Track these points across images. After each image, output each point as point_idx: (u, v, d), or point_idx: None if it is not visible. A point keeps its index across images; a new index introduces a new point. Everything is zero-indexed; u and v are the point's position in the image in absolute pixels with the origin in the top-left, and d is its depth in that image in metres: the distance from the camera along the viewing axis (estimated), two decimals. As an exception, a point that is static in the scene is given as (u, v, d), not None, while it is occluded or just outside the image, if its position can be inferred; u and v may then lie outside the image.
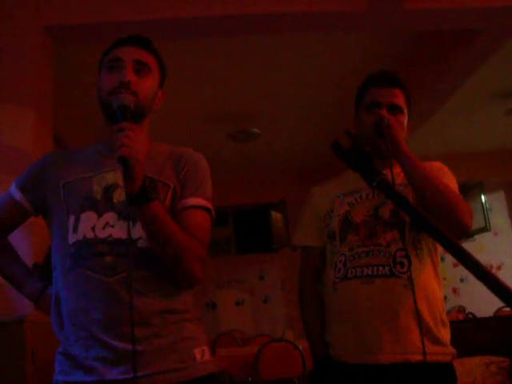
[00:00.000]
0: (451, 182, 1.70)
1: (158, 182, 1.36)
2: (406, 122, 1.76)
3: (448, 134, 6.53)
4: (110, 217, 1.33)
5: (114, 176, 1.37)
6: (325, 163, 6.02)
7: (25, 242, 2.27)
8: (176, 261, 1.31)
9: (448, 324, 1.69)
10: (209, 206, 1.41)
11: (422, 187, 1.59)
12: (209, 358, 1.37)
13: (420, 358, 1.57)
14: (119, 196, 1.35)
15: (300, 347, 3.76)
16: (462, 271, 7.58)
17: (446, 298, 7.72)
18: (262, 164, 7.06)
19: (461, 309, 7.19)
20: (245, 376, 4.29)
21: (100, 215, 1.34)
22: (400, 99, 1.75)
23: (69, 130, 4.49)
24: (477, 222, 8.02)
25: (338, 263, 1.71)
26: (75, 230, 1.34)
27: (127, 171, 1.20)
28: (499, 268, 7.47)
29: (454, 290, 7.81)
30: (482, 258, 6.46)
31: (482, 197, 8.01)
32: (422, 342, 1.58)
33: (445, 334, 1.65)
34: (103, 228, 1.32)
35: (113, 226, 1.32)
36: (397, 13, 3.24)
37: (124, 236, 1.31)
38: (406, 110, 1.76)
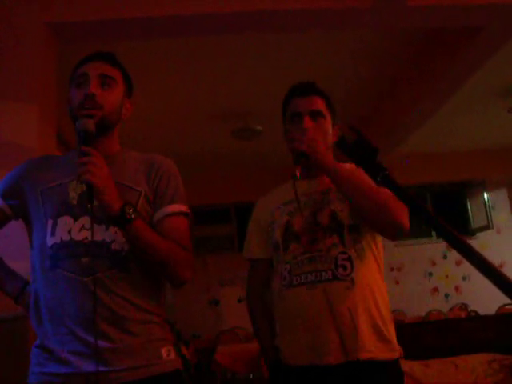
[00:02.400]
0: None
1: (128, 188, 1.46)
2: (329, 125, 1.81)
3: (450, 131, 6.53)
4: (85, 220, 1.42)
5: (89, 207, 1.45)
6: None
7: (20, 240, 2.28)
8: (162, 267, 1.44)
9: (392, 320, 1.74)
10: (185, 209, 1.51)
11: (352, 196, 1.64)
12: (174, 357, 1.47)
13: (368, 355, 1.61)
14: (95, 207, 1.42)
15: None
16: (465, 269, 7.63)
17: (448, 295, 7.77)
18: (265, 161, 7.07)
19: (463, 306, 7.20)
20: (247, 372, 4.30)
21: (76, 219, 1.43)
22: (319, 105, 1.80)
23: (72, 127, 4.49)
24: (479, 220, 8.03)
25: (284, 271, 1.76)
26: (53, 233, 1.43)
27: (90, 194, 1.31)
28: (501, 266, 7.47)
29: (457, 288, 7.81)
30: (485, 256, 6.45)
31: (485, 195, 8.01)
32: (370, 340, 1.63)
33: (391, 330, 1.70)
34: (79, 231, 1.41)
35: (88, 229, 1.41)
36: (400, 10, 3.23)
37: (98, 238, 1.40)
38: (328, 115, 1.81)
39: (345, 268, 1.67)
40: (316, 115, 1.78)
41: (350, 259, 1.68)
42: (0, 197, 1.52)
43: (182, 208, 1.50)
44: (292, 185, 1.84)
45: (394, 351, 1.69)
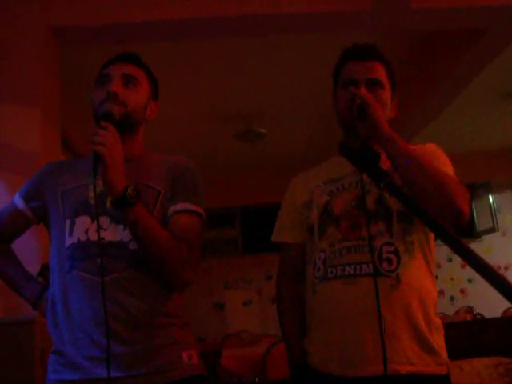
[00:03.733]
0: (445, 165, 1.50)
1: (148, 188, 1.43)
2: (389, 97, 1.57)
3: (455, 133, 6.51)
4: (102, 220, 1.39)
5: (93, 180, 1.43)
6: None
7: (33, 244, 2.29)
8: (160, 263, 1.35)
9: (442, 328, 1.49)
10: (197, 209, 1.45)
11: (407, 171, 1.37)
12: (196, 362, 1.41)
13: (410, 369, 1.37)
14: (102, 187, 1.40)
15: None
16: (470, 272, 7.53)
17: (453, 298, 7.74)
18: (269, 164, 7.06)
19: (469, 309, 7.16)
20: (252, 376, 4.29)
21: (94, 219, 1.40)
22: (379, 73, 1.55)
23: (76, 131, 4.51)
24: (484, 223, 7.98)
25: (318, 261, 1.52)
26: (71, 233, 1.41)
27: (96, 166, 1.28)
28: (507, 268, 7.44)
29: (462, 291, 7.78)
30: (490, 259, 6.44)
31: (490, 197, 7.98)
32: (414, 351, 1.39)
33: (439, 341, 1.46)
34: (96, 231, 1.37)
35: (106, 230, 1.38)
36: (403, 12, 3.23)
37: (116, 239, 1.38)
38: (388, 85, 1.57)
39: (390, 262, 1.41)
40: (374, 84, 1.52)
41: (396, 252, 1.43)
42: (23, 200, 1.53)
43: (196, 208, 1.44)
44: (337, 161, 1.56)
45: (442, 365, 1.43)
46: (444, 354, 1.45)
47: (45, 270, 1.62)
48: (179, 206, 1.43)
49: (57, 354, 1.38)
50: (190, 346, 1.42)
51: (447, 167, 1.50)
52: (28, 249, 1.75)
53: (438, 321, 1.48)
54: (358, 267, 1.43)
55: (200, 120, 5.58)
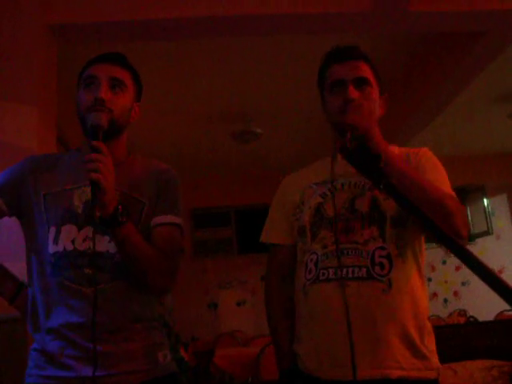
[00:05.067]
0: (442, 176, 1.51)
1: (132, 199, 1.46)
2: (377, 95, 1.56)
3: (450, 136, 6.53)
4: (89, 230, 1.41)
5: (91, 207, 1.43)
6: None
7: (18, 242, 2.28)
8: (143, 275, 1.41)
9: (433, 333, 1.49)
10: (178, 221, 1.50)
11: (404, 186, 1.27)
12: (169, 361, 1.48)
13: (400, 373, 1.37)
14: (94, 210, 1.40)
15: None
16: (464, 274, 7.62)
17: (447, 301, 7.76)
18: (265, 164, 7.06)
19: (462, 312, 7.19)
20: (245, 376, 4.29)
21: (80, 228, 1.42)
22: (366, 71, 1.54)
23: (72, 129, 4.49)
24: (479, 226, 8.01)
25: (309, 263, 1.50)
26: (56, 241, 1.41)
27: (95, 194, 1.28)
28: (501, 272, 7.46)
29: (456, 294, 7.80)
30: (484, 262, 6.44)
31: (485, 200, 8.00)
32: (404, 355, 1.39)
33: (429, 345, 1.45)
34: (83, 241, 1.41)
35: (92, 240, 1.40)
36: (401, 15, 3.24)
37: (103, 250, 1.40)
38: (375, 83, 1.56)
39: (382, 267, 1.41)
40: (362, 83, 1.51)
41: (389, 257, 1.42)
42: None
43: (176, 220, 1.50)
44: (330, 162, 1.55)
45: (432, 370, 1.43)
46: (435, 359, 1.45)
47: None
48: (161, 219, 1.47)
49: (40, 352, 1.40)
50: (164, 346, 1.49)
51: (445, 179, 1.50)
52: (13, 246, 1.74)
53: (429, 325, 1.48)
54: (350, 270, 1.42)
55: (196, 120, 5.58)
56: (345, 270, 1.42)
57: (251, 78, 4.70)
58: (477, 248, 7.46)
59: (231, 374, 4.72)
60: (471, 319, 6.36)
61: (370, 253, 1.42)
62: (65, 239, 1.41)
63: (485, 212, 7.97)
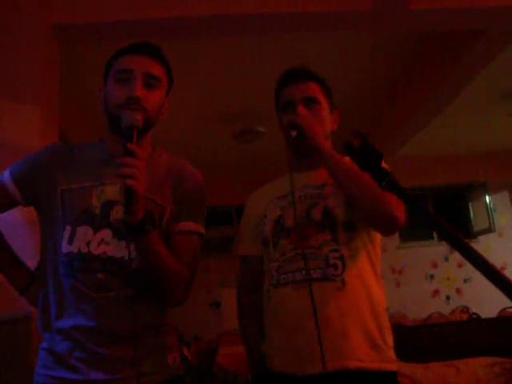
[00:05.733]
0: None
1: (155, 203, 1.39)
2: (326, 112, 1.69)
3: (452, 134, 6.53)
4: (105, 233, 1.36)
5: (114, 191, 1.38)
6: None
7: (29, 240, 2.29)
8: (161, 285, 1.37)
9: (390, 327, 1.59)
10: (201, 230, 1.46)
11: (346, 185, 1.52)
12: (179, 364, 1.45)
13: (357, 364, 1.48)
14: (116, 213, 1.36)
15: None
16: (466, 271, 7.62)
17: (449, 298, 7.76)
18: (266, 163, 7.06)
19: (464, 309, 7.19)
20: (248, 374, 4.30)
21: (96, 231, 1.36)
22: (314, 91, 1.67)
23: (74, 128, 4.51)
24: (481, 223, 8.01)
25: (272, 270, 1.64)
26: (70, 241, 1.35)
27: (129, 202, 1.22)
28: (503, 268, 7.46)
29: (458, 291, 7.80)
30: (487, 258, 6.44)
31: (487, 197, 8.00)
32: (362, 348, 1.49)
33: (387, 339, 1.56)
34: (98, 244, 1.35)
35: (108, 244, 1.35)
36: (402, 13, 3.23)
37: (118, 255, 1.35)
38: (325, 101, 1.69)
39: (336, 267, 1.54)
40: (311, 102, 1.66)
41: (342, 258, 1.55)
42: (13, 183, 1.42)
43: (199, 229, 1.45)
44: (288, 178, 1.70)
45: (388, 362, 1.54)
46: (392, 352, 1.56)
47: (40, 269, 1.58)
48: (185, 226, 1.43)
49: (48, 353, 1.38)
50: (175, 349, 1.46)
51: None
52: (25, 245, 1.72)
53: (386, 320, 1.58)
54: (306, 273, 1.55)
55: (198, 119, 5.58)
56: (301, 273, 1.56)
57: (253, 76, 4.70)
58: (479, 245, 7.45)
59: (234, 373, 4.73)
60: (474, 316, 6.35)
61: (324, 255, 1.56)
62: (80, 241, 1.35)
63: (487, 209, 7.97)
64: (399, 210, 1.46)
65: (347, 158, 1.58)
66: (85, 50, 3.65)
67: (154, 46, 1.47)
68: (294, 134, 1.56)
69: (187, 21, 3.13)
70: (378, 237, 1.66)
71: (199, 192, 1.49)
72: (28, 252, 1.66)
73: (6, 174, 1.44)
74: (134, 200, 1.21)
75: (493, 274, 0.71)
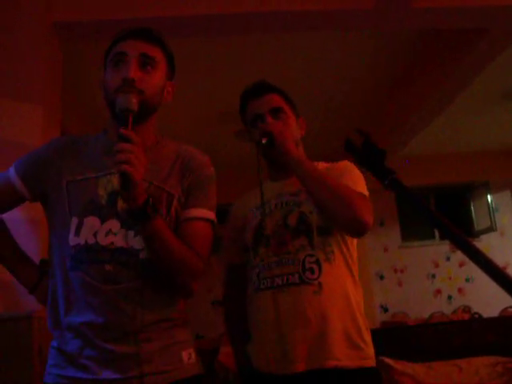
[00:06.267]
0: (356, 181, 1.68)
1: (162, 191, 1.36)
2: (293, 120, 1.78)
3: (454, 133, 6.52)
4: (113, 224, 1.33)
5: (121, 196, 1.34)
6: (333, 160, 6.01)
7: (33, 238, 2.29)
8: (173, 275, 1.34)
9: (367, 327, 1.66)
10: (211, 217, 1.42)
11: (315, 191, 1.60)
12: (195, 361, 1.39)
13: (334, 363, 1.54)
14: (123, 203, 1.31)
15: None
16: (468, 271, 7.62)
17: (451, 297, 7.76)
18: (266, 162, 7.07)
19: (466, 309, 7.18)
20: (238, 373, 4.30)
21: (103, 221, 1.33)
22: (279, 102, 1.77)
23: (76, 126, 4.51)
24: (483, 222, 8.00)
25: (253, 275, 1.71)
26: (77, 232, 1.33)
27: (125, 186, 1.18)
28: (505, 268, 7.45)
29: (460, 290, 7.79)
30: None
31: (489, 196, 7.99)
32: (339, 347, 1.55)
33: (365, 337, 1.62)
34: (105, 235, 1.32)
35: (115, 234, 1.32)
36: (404, 11, 3.23)
37: (126, 245, 1.31)
38: (290, 110, 1.79)
39: (312, 271, 1.60)
40: (277, 112, 1.75)
41: (317, 262, 1.61)
42: (19, 178, 1.40)
43: (209, 215, 1.41)
44: (268, 186, 1.78)
45: (366, 359, 1.60)
46: (369, 350, 1.62)
47: (44, 265, 1.57)
48: (194, 212, 1.38)
49: (58, 351, 1.35)
50: (189, 344, 1.41)
51: (358, 182, 1.67)
52: (28, 241, 1.72)
53: (362, 318, 1.64)
54: (285, 278, 1.62)
55: (200, 118, 5.58)
56: (280, 278, 1.63)
57: (253, 76, 4.69)
58: (481, 245, 7.44)
59: (236, 372, 4.73)
60: (475, 316, 6.35)
61: (300, 260, 1.62)
62: (87, 232, 1.32)
63: (489, 208, 7.95)
64: (367, 212, 1.55)
65: (321, 164, 1.72)
66: (86, 48, 3.65)
67: (149, 29, 1.41)
68: (264, 141, 1.64)
69: (187, 20, 3.12)
70: (353, 240, 1.72)
71: (209, 178, 1.45)
72: (31, 249, 1.65)
73: (12, 171, 1.43)
74: (130, 186, 1.17)
75: (495, 273, 0.71)
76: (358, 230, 1.58)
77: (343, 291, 1.63)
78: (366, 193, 1.66)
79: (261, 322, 1.67)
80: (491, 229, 7.85)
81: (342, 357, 1.55)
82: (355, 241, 1.73)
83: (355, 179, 1.68)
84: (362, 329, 1.62)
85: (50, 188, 1.39)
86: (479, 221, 8.12)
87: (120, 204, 1.33)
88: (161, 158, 1.41)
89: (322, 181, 1.59)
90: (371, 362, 1.61)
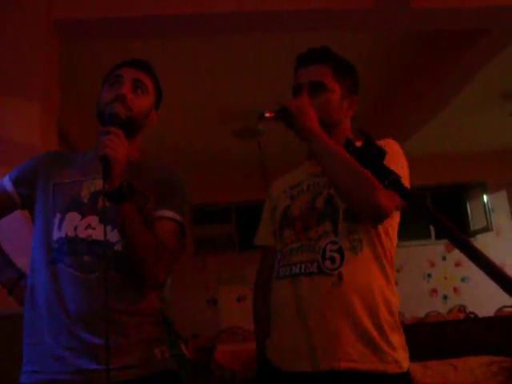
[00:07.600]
0: (400, 166, 1.52)
1: (139, 193, 1.46)
2: (335, 98, 1.57)
3: (451, 133, 6.53)
4: (92, 219, 1.44)
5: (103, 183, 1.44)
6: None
7: (22, 236, 2.28)
8: (142, 263, 1.39)
9: (398, 327, 1.47)
10: (178, 218, 1.49)
11: (330, 169, 1.42)
12: (168, 357, 1.44)
13: (348, 365, 1.37)
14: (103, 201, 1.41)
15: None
16: (464, 270, 7.63)
17: (447, 297, 7.77)
18: (267, 161, 7.06)
19: (462, 308, 7.20)
20: (246, 372, 4.30)
21: (83, 216, 1.44)
22: (322, 75, 1.56)
23: (73, 124, 4.50)
24: (479, 222, 8.02)
25: (276, 261, 1.58)
26: (60, 227, 1.44)
27: (106, 169, 1.30)
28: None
29: (456, 290, 7.81)
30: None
31: (485, 197, 8.01)
32: (355, 348, 1.38)
33: (392, 338, 1.43)
34: (85, 229, 1.42)
35: (94, 228, 1.42)
36: (403, 12, 3.23)
37: (103, 238, 1.37)
38: (334, 86, 1.57)
39: (333, 261, 1.43)
40: (316, 87, 1.55)
41: (340, 251, 1.44)
42: (12, 183, 1.53)
43: (177, 217, 1.48)
44: (304, 166, 1.65)
45: (388, 363, 1.40)
46: (395, 353, 1.42)
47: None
48: (164, 213, 1.47)
49: (33, 346, 1.39)
50: (162, 342, 1.46)
51: (402, 168, 1.52)
52: (17, 240, 1.75)
53: (390, 318, 1.45)
54: (303, 266, 1.47)
55: (199, 117, 5.57)
56: (297, 267, 1.48)
57: (254, 74, 4.69)
58: (477, 244, 7.30)
59: (232, 370, 4.73)
60: (471, 315, 6.37)
61: (321, 248, 1.46)
62: (68, 226, 1.43)
63: (485, 208, 7.98)
64: (384, 195, 1.34)
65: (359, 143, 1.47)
66: (85, 46, 3.64)
67: (143, 60, 1.61)
68: (268, 114, 1.45)
69: (188, 19, 3.13)
70: (391, 228, 1.52)
71: (179, 187, 1.55)
72: (20, 249, 1.68)
73: (6, 180, 1.55)
74: (109, 166, 1.29)
75: (494, 272, 0.71)
76: (373, 213, 1.40)
77: (367, 286, 1.43)
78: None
79: (277, 314, 1.54)
80: (487, 229, 7.88)
81: (357, 358, 1.38)
82: (394, 233, 1.53)
83: (388, 158, 1.47)
84: (387, 329, 1.42)
85: (39, 191, 1.50)
86: (475, 221, 8.14)
87: (101, 202, 1.43)
88: (141, 170, 1.54)
89: (335, 158, 1.39)
90: (395, 368, 1.41)
